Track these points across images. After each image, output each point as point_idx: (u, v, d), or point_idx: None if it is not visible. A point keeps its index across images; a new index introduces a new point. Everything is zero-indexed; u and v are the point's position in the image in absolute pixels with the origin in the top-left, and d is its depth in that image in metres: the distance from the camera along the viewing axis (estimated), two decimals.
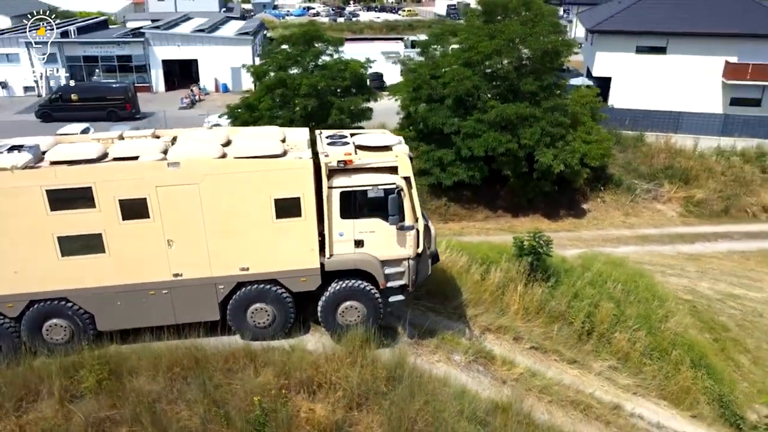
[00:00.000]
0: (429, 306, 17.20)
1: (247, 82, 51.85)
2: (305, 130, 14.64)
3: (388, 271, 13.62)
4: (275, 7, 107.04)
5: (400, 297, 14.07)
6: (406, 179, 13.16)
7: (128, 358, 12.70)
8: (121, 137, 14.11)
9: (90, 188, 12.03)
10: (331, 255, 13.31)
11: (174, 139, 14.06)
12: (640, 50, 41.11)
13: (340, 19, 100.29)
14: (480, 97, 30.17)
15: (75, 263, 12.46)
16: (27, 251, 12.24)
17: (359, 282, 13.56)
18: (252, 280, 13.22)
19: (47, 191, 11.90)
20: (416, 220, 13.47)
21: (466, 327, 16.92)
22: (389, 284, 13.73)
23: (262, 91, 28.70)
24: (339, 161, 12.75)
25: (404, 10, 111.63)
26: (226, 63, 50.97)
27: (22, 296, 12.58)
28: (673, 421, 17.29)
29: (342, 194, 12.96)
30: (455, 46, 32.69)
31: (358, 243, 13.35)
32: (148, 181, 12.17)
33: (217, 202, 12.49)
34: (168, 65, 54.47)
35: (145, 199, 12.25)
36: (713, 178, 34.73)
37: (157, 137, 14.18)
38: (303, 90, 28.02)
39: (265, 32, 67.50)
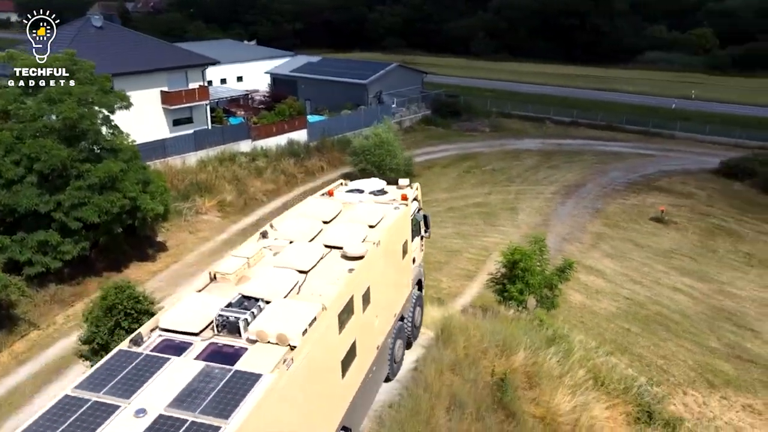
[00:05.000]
0: None
1: None
2: (352, 195, 15.78)
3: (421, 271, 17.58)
4: None
5: (422, 290, 18.10)
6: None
7: None
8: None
9: (352, 296, 11.64)
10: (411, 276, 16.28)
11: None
12: None
13: None
14: (73, 165, 28.19)
15: (347, 382, 11.65)
16: (328, 392, 10.82)
17: (419, 289, 17.01)
18: (396, 321, 14.93)
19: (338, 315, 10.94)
20: None
21: None
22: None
23: None
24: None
25: None
26: None
27: None
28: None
29: None
30: None
31: (414, 260, 16.74)
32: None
33: (388, 262, 13.85)
34: None
35: (369, 284, 12.59)
36: (228, 183, 42.62)
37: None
38: None
39: None
